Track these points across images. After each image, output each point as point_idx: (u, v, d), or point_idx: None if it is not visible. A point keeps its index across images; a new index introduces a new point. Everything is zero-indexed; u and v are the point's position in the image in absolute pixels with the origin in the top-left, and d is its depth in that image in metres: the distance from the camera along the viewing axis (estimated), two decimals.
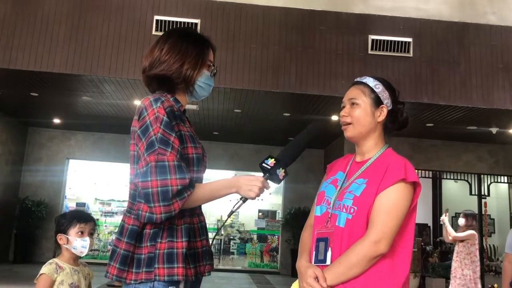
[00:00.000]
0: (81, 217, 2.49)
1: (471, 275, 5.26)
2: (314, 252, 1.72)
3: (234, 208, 1.69)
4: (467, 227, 5.68)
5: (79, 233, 2.44)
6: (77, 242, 2.43)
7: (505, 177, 10.76)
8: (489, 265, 13.52)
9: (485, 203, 11.88)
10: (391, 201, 1.63)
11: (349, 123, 1.79)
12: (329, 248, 1.67)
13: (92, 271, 2.59)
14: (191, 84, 1.76)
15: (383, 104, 1.78)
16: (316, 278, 1.60)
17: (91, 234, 2.49)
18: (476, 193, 10.55)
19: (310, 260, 1.72)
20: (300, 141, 1.78)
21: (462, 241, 5.53)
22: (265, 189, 1.67)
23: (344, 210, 1.68)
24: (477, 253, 5.24)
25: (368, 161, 1.77)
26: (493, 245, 15.20)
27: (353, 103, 1.80)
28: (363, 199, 1.65)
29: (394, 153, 1.78)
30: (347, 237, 1.65)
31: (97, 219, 12.53)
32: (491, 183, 10.65)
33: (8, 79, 7.53)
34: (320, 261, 1.68)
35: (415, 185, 1.68)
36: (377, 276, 1.60)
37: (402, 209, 1.64)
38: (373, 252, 1.58)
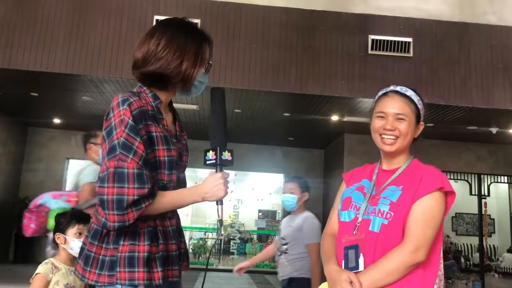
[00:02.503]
0: (81, 218, 2.47)
1: None
2: (343, 261, 1.69)
3: (220, 216, 1.67)
4: None
5: (77, 234, 2.42)
6: (74, 243, 2.42)
7: (505, 177, 10.76)
8: (489, 265, 13.52)
9: (485, 203, 11.88)
10: (428, 209, 1.64)
11: (396, 137, 1.76)
12: (361, 254, 1.65)
13: None
14: (189, 83, 1.69)
15: (421, 121, 1.81)
16: (351, 283, 1.58)
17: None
18: (476, 193, 10.54)
19: None
20: (217, 117, 1.70)
21: None
22: (228, 180, 1.63)
23: (379, 215, 1.67)
24: (441, 250, 5.22)
25: (399, 170, 1.78)
26: (493, 245, 15.21)
27: (400, 118, 1.77)
28: (400, 205, 1.65)
29: (421, 163, 1.81)
30: (382, 242, 1.64)
31: None
32: (491, 183, 10.64)
33: (8, 79, 7.53)
34: (351, 268, 1.65)
35: (446, 195, 1.70)
36: (410, 285, 1.61)
37: (439, 218, 1.66)
38: (412, 260, 1.58)
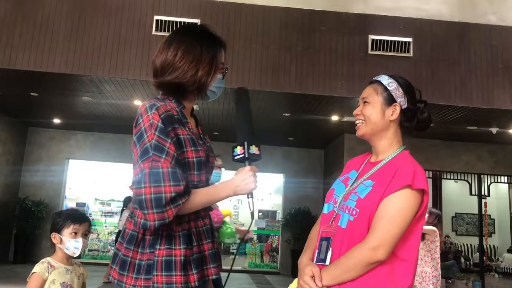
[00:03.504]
0: (76, 217, 2.46)
1: (430, 273, 5.23)
2: (317, 251, 1.72)
3: (251, 209, 1.72)
4: (427, 223, 5.65)
5: (73, 233, 2.42)
6: (70, 243, 2.42)
7: (505, 177, 10.76)
8: (489, 265, 13.52)
9: (485, 203, 11.89)
10: (394, 208, 1.59)
11: (362, 121, 1.77)
12: (330, 248, 1.67)
13: (87, 271, 2.58)
14: (204, 91, 1.75)
15: (396, 102, 1.75)
16: (313, 277, 1.61)
17: (85, 235, 2.47)
18: (476, 193, 10.54)
19: (313, 258, 1.72)
20: (243, 114, 1.76)
21: (422, 238, 5.48)
22: (257, 173, 1.68)
23: (346, 211, 1.67)
24: (438, 250, 5.22)
25: (380, 163, 1.74)
26: (493, 245, 15.22)
27: (365, 102, 1.78)
28: (366, 202, 1.64)
29: (408, 157, 1.73)
30: (348, 238, 1.64)
31: (97, 219, 12.55)
32: (491, 183, 10.64)
33: (8, 79, 7.53)
34: (321, 260, 1.68)
35: (423, 193, 1.63)
36: (373, 282, 1.59)
37: (405, 216, 1.60)
38: (370, 258, 1.56)
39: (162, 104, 1.64)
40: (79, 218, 2.47)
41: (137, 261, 1.60)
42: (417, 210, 1.63)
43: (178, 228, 1.61)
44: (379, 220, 1.60)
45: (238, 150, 1.69)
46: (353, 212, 1.65)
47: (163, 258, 1.57)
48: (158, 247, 1.58)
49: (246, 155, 1.68)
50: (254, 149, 1.68)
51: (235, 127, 1.74)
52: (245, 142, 1.68)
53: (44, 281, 2.36)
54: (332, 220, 1.72)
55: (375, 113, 1.74)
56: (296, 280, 1.75)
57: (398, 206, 1.60)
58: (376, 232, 1.58)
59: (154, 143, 1.56)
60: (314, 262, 1.70)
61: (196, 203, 1.62)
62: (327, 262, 1.65)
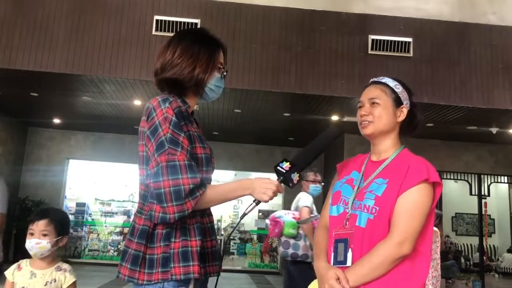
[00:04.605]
0: (33, 216, 2.29)
1: (430, 273, 5.24)
2: (332, 254, 1.71)
3: (247, 211, 1.70)
4: None
5: (30, 234, 2.24)
6: (26, 243, 2.25)
7: (505, 177, 10.76)
8: (489, 265, 13.52)
9: (485, 203, 11.89)
10: (413, 202, 1.63)
11: (370, 122, 1.79)
12: (349, 249, 1.67)
13: (71, 276, 2.30)
14: (201, 87, 1.77)
15: (403, 104, 1.80)
16: (338, 280, 1.60)
17: (44, 235, 2.23)
18: (476, 193, 10.54)
19: (328, 261, 1.71)
20: (318, 146, 1.79)
21: None
22: (278, 193, 1.67)
23: (365, 210, 1.68)
24: (438, 250, 5.24)
25: (386, 161, 1.77)
26: (493, 245, 15.21)
27: (373, 102, 1.80)
28: (385, 199, 1.65)
29: (411, 153, 1.79)
30: (368, 237, 1.65)
31: (97, 219, 12.55)
32: (491, 183, 10.64)
33: (8, 79, 7.53)
34: (339, 262, 1.67)
35: (434, 185, 1.69)
36: (398, 278, 1.61)
37: (424, 210, 1.65)
38: (396, 254, 1.59)
39: (173, 99, 1.68)
40: (35, 216, 2.28)
41: (149, 256, 1.60)
42: (432, 202, 1.68)
43: (192, 221, 1.63)
44: (400, 215, 1.62)
45: (285, 165, 1.69)
46: (373, 210, 1.66)
47: (180, 249, 1.58)
48: (173, 240, 1.59)
49: (285, 174, 1.67)
50: (295, 176, 1.68)
51: (303, 149, 1.77)
52: (296, 166, 1.68)
53: (13, 284, 2.24)
54: (346, 221, 1.71)
55: (386, 114, 1.78)
56: (313, 283, 1.73)
57: (417, 200, 1.64)
58: (399, 227, 1.60)
59: (169, 137, 1.58)
60: (331, 265, 1.69)
61: (213, 198, 1.62)
62: (349, 263, 1.65)
